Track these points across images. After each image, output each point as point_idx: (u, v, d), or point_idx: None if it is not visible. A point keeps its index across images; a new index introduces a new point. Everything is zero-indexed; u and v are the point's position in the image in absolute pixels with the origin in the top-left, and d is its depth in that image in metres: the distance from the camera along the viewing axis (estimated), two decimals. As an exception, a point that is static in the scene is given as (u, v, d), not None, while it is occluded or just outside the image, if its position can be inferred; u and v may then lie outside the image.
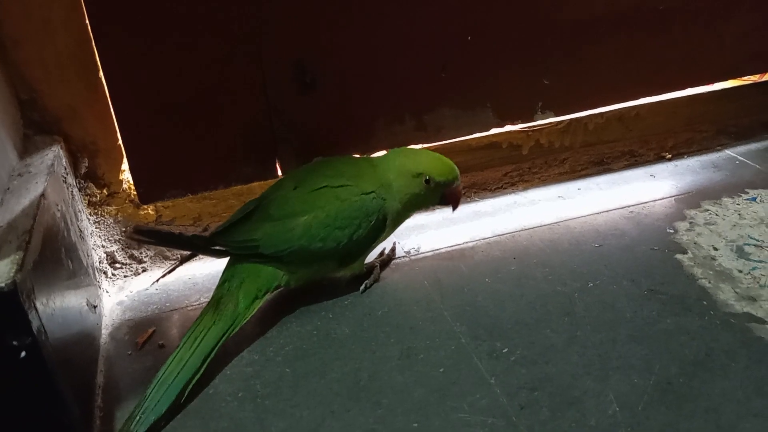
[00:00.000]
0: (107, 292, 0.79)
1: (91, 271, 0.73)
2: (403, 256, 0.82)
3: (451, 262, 0.80)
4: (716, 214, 0.86)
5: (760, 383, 0.59)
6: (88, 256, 0.73)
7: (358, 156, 0.78)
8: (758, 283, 0.72)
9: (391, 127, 0.85)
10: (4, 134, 0.64)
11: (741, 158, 1.01)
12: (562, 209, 0.90)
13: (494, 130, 0.92)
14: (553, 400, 0.59)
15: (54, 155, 0.68)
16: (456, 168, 0.72)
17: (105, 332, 0.72)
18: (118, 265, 0.81)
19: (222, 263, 0.71)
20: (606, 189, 0.95)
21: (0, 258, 0.49)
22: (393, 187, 0.71)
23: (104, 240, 0.80)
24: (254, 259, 0.69)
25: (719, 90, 1.03)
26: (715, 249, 0.78)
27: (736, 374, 0.60)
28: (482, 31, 0.82)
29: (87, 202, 0.78)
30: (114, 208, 0.79)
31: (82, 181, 0.77)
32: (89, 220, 0.78)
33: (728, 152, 1.03)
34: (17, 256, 0.49)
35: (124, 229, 0.80)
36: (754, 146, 1.04)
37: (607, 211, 0.89)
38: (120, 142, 0.76)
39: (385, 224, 0.72)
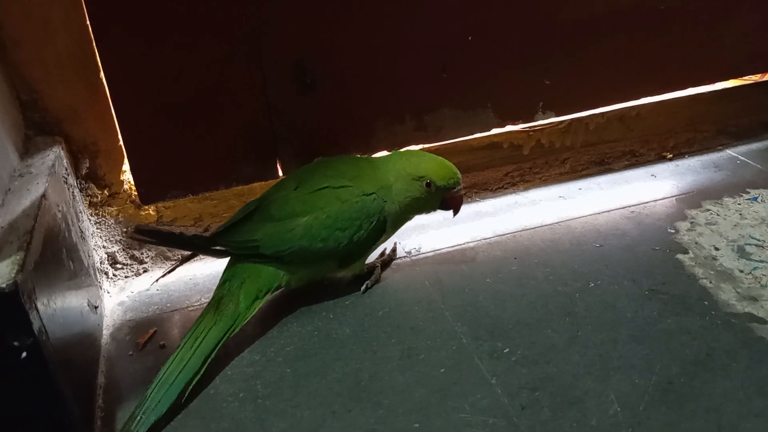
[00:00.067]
0: (108, 292, 0.79)
1: (92, 271, 0.73)
2: (404, 257, 0.82)
3: (452, 262, 0.80)
4: (717, 214, 0.86)
5: (761, 383, 0.59)
6: (89, 256, 0.73)
7: (359, 156, 0.78)
8: (759, 283, 0.72)
9: (391, 128, 0.85)
10: (4, 135, 0.64)
11: (742, 158, 1.01)
12: (563, 209, 0.90)
13: (495, 130, 0.92)
14: (554, 400, 0.59)
15: (55, 156, 0.68)
16: (458, 172, 0.72)
17: (106, 333, 0.72)
18: (119, 266, 0.81)
19: (222, 263, 0.71)
20: (607, 189, 0.95)
21: (1, 258, 0.49)
22: (393, 190, 0.71)
23: (105, 240, 0.80)
24: (255, 260, 0.69)
25: (720, 90, 1.03)
26: (716, 249, 0.78)
27: (737, 374, 0.60)
28: (483, 31, 0.82)
29: (88, 202, 0.78)
30: (115, 208, 0.79)
31: (83, 182, 0.77)
32: (90, 220, 0.78)
33: (729, 152, 1.03)
34: (18, 257, 0.49)
35: (125, 229, 0.80)
36: (755, 146, 1.04)
37: (608, 211, 0.89)
38: (121, 142, 0.76)
39: (386, 226, 0.72)
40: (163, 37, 0.70)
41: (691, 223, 0.84)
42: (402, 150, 0.78)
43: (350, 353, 0.66)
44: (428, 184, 0.71)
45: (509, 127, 0.92)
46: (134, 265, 0.82)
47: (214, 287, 0.69)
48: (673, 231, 0.83)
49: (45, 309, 0.51)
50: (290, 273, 0.70)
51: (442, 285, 0.76)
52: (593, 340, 0.65)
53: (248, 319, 0.67)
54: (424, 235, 0.86)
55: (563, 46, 0.87)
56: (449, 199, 0.73)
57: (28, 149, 0.69)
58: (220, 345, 0.64)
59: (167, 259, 0.83)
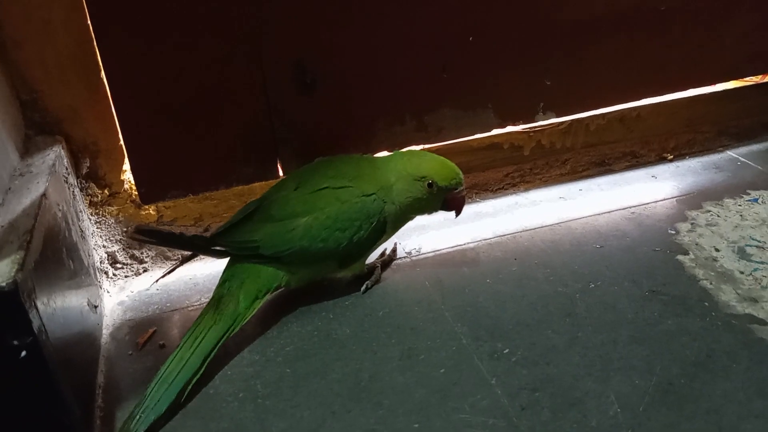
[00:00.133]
0: (108, 292, 0.79)
1: (92, 271, 0.73)
2: (405, 257, 0.82)
3: (452, 262, 0.80)
4: (718, 215, 0.86)
5: (761, 384, 0.59)
6: (89, 256, 0.73)
7: (360, 156, 0.77)
8: (760, 284, 0.72)
9: (391, 128, 0.85)
10: (5, 134, 0.64)
11: (742, 159, 1.01)
12: (563, 210, 0.90)
13: (495, 131, 0.92)
14: (555, 400, 0.58)
15: (55, 155, 0.68)
16: (460, 173, 0.72)
17: (106, 332, 0.72)
18: (119, 265, 0.81)
19: (222, 263, 0.71)
20: (607, 190, 0.95)
21: (1, 257, 0.49)
22: (394, 190, 0.71)
23: (105, 240, 0.80)
24: (255, 260, 0.69)
25: (720, 91, 1.03)
26: (717, 250, 0.78)
27: (738, 375, 0.60)
28: (483, 32, 0.82)
29: (88, 202, 0.78)
30: (115, 208, 0.79)
31: (84, 182, 0.77)
32: (90, 220, 0.78)
33: (730, 153, 1.03)
34: (18, 256, 0.49)
35: (125, 229, 0.80)
36: (755, 147, 1.04)
37: (609, 212, 0.89)
38: (121, 142, 0.76)
39: (386, 226, 0.72)
40: (163, 37, 0.71)
41: (692, 224, 0.84)
42: (403, 150, 0.78)
43: (350, 353, 0.66)
44: (430, 185, 0.70)
45: (510, 128, 0.92)
46: (134, 265, 0.82)
47: (214, 287, 0.69)
48: (673, 232, 0.83)
49: (45, 308, 0.51)
50: (290, 273, 0.70)
51: (442, 285, 0.75)
52: (593, 340, 0.65)
53: (248, 318, 0.67)
54: (425, 236, 0.86)
55: (563, 46, 0.87)
56: (451, 200, 0.73)
57: (28, 149, 0.69)
58: (219, 345, 0.64)
59: (167, 258, 0.83)
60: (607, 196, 0.93)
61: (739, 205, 0.88)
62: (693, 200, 0.90)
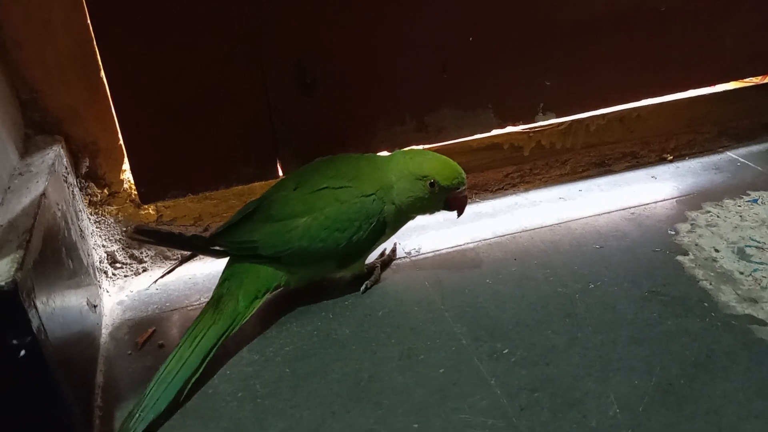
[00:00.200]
0: (107, 291, 0.79)
1: (91, 270, 0.73)
2: (404, 257, 0.82)
3: (452, 263, 0.80)
4: (717, 216, 0.86)
5: (761, 385, 0.59)
6: (88, 255, 0.73)
7: (360, 155, 0.77)
8: (759, 284, 0.72)
9: (391, 128, 0.85)
10: (5, 134, 0.64)
11: (742, 160, 1.01)
12: (563, 210, 0.90)
13: (495, 131, 0.92)
14: (554, 401, 0.58)
15: (55, 155, 0.68)
16: (462, 172, 0.71)
17: (105, 332, 0.72)
18: (118, 265, 0.81)
19: (222, 263, 0.71)
20: (607, 190, 0.95)
21: (0, 257, 0.49)
22: (395, 189, 0.71)
23: (105, 240, 0.80)
24: (254, 260, 0.69)
25: (720, 92, 1.03)
26: (717, 251, 0.78)
27: (737, 376, 0.60)
28: (483, 32, 0.82)
29: (88, 201, 0.78)
30: (115, 207, 0.79)
31: (83, 181, 0.77)
32: (90, 219, 0.78)
33: (729, 154, 1.03)
34: (18, 255, 0.49)
35: (124, 228, 0.80)
36: (755, 148, 1.04)
37: (608, 212, 0.89)
38: (121, 142, 0.76)
39: (386, 227, 0.72)
40: (163, 37, 0.71)
41: (692, 224, 0.84)
42: (405, 149, 0.78)
43: (350, 353, 0.66)
44: (432, 184, 0.70)
45: (510, 128, 0.92)
46: (134, 265, 0.82)
47: (214, 287, 0.69)
48: (673, 233, 0.83)
49: (44, 307, 0.51)
50: (289, 273, 0.70)
51: (441, 286, 0.75)
52: (593, 341, 0.65)
53: (247, 318, 0.67)
54: (424, 236, 0.86)
55: (563, 46, 0.87)
56: (453, 200, 0.72)
57: (28, 148, 0.69)
58: (219, 344, 0.64)
59: (167, 258, 0.83)
60: (606, 197, 0.93)
61: (739, 206, 0.88)
62: (693, 201, 0.90)
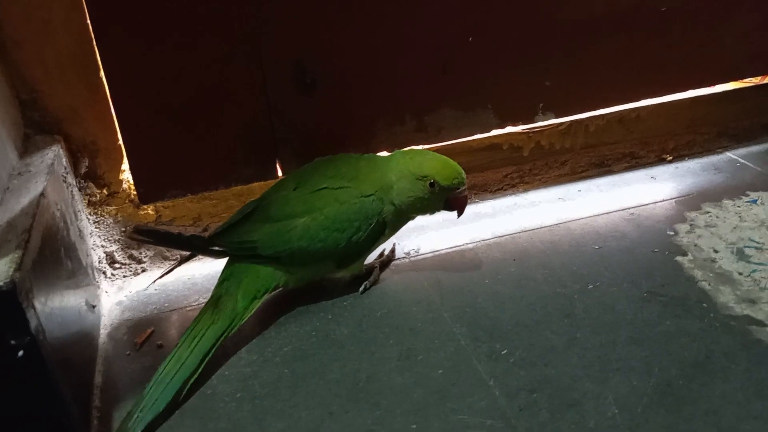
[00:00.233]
0: (106, 292, 0.79)
1: (90, 270, 0.73)
2: (403, 257, 0.82)
3: (451, 263, 0.80)
4: (717, 217, 0.86)
5: (760, 386, 0.59)
6: (87, 255, 0.73)
7: (360, 155, 0.77)
8: (758, 285, 0.72)
9: (391, 128, 0.85)
10: (4, 134, 0.64)
11: (742, 160, 1.01)
12: (562, 211, 0.90)
13: (495, 132, 0.92)
14: (553, 401, 0.58)
15: (54, 155, 0.68)
16: (463, 172, 0.71)
17: (103, 332, 0.72)
18: (117, 265, 0.81)
19: (221, 263, 0.71)
20: (606, 191, 0.95)
21: (-1, 257, 0.49)
22: (395, 189, 0.70)
23: (104, 240, 0.80)
24: (253, 260, 0.69)
25: (720, 92, 1.03)
26: (716, 251, 0.78)
27: (736, 377, 0.60)
28: (483, 32, 0.82)
29: (87, 201, 0.78)
30: (114, 207, 0.79)
31: (82, 181, 0.77)
32: (89, 219, 0.78)
33: (729, 154, 1.03)
34: (16, 255, 0.49)
35: (123, 229, 0.80)
36: (755, 148, 1.04)
37: (608, 213, 0.89)
38: (120, 142, 0.76)
39: (385, 227, 0.72)
40: (163, 37, 0.71)
41: (691, 225, 0.84)
42: (405, 149, 0.78)
43: (348, 354, 0.66)
44: (432, 184, 0.69)
45: (509, 129, 0.92)
46: (132, 265, 0.81)
47: (213, 287, 0.69)
48: (672, 233, 0.83)
49: (42, 308, 0.51)
50: (289, 273, 0.70)
51: (440, 286, 0.75)
52: (592, 341, 0.65)
53: (246, 318, 0.67)
54: (423, 236, 0.86)
55: (563, 47, 0.87)
56: (453, 200, 0.72)
57: (27, 148, 0.69)
58: (217, 344, 0.64)
59: (166, 258, 0.83)
60: (606, 197, 0.93)
61: (738, 207, 0.87)
62: (692, 201, 0.90)
